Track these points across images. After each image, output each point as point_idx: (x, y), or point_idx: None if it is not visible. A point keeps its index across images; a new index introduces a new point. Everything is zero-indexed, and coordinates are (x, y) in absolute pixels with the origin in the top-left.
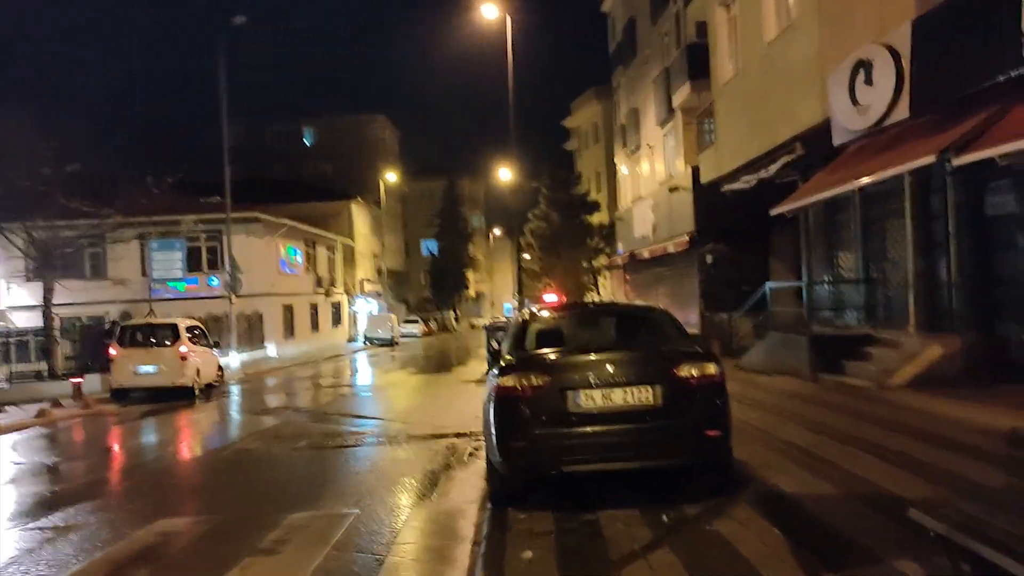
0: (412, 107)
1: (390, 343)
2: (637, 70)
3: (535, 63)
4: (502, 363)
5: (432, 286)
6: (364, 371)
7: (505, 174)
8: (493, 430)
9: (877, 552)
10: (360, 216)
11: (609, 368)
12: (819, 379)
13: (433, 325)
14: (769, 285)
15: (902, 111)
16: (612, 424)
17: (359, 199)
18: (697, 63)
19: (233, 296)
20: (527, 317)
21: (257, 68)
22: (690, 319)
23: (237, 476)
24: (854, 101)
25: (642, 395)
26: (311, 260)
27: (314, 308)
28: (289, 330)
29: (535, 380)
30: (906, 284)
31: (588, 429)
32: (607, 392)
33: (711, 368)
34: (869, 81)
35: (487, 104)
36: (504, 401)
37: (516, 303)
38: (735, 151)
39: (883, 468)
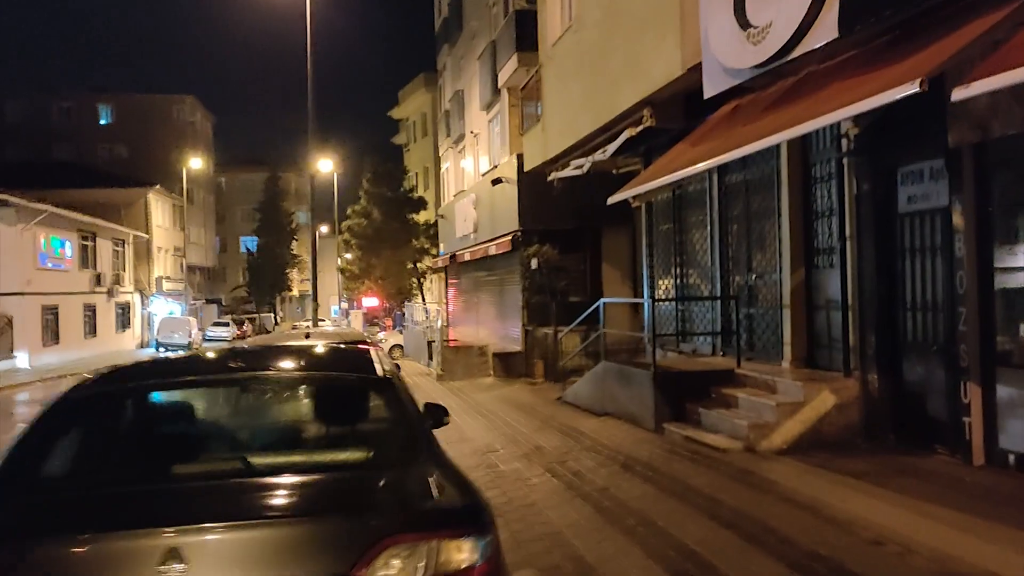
0: (231, 93)
1: (187, 349)
2: (463, 48)
3: (367, 47)
4: None
5: (250, 285)
6: None
7: (327, 168)
8: None
9: None
10: (160, 206)
11: (177, 569)
12: (665, 431)
13: (249, 327)
14: (603, 301)
15: (826, 30)
16: None
17: (159, 187)
18: (526, 31)
19: None
20: (75, 387)
21: (41, 34)
22: (512, 333)
23: None
24: (743, 22)
25: None
26: (89, 254)
27: (91, 310)
28: (52, 336)
29: None
30: (779, 304)
31: None
32: None
33: (463, 554)
34: None
35: (316, 93)
36: None
37: (343, 307)
38: (565, 128)
39: None
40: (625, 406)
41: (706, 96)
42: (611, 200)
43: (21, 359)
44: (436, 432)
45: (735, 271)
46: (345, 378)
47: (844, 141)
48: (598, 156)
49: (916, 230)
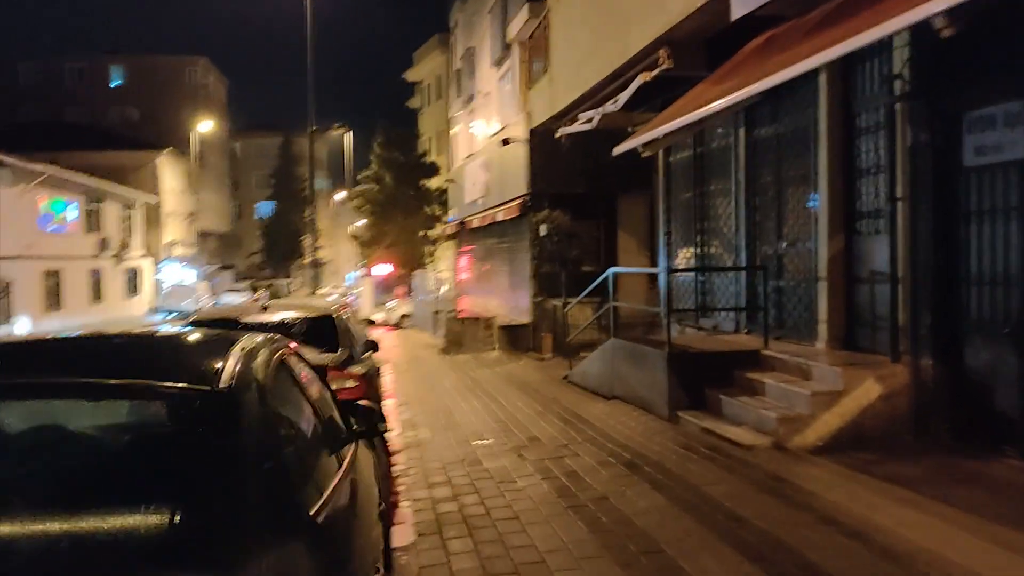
0: (247, 56)
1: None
2: (475, 2)
3: (386, 7)
4: None
5: (266, 252)
6: None
7: (339, 131)
8: None
9: None
10: (171, 170)
11: None
12: (680, 420)
13: (264, 294)
14: (613, 270)
15: None
16: None
17: (170, 150)
18: None
19: None
20: None
21: None
22: (521, 304)
23: None
24: None
25: None
26: (94, 217)
27: (97, 275)
28: (54, 301)
29: None
30: (813, 276)
31: None
32: None
33: None
34: None
35: (333, 57)
36: None
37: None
38: (574, 78)
39: None
40: (636, 389)
41: (734, 17)
42: (618, 149)
43: (22, 324)
44: (421, 418)
45: (763, 238)
46: (151, 391)
47: (897, 83)
48: (609, 107)
49: (985, 188)
